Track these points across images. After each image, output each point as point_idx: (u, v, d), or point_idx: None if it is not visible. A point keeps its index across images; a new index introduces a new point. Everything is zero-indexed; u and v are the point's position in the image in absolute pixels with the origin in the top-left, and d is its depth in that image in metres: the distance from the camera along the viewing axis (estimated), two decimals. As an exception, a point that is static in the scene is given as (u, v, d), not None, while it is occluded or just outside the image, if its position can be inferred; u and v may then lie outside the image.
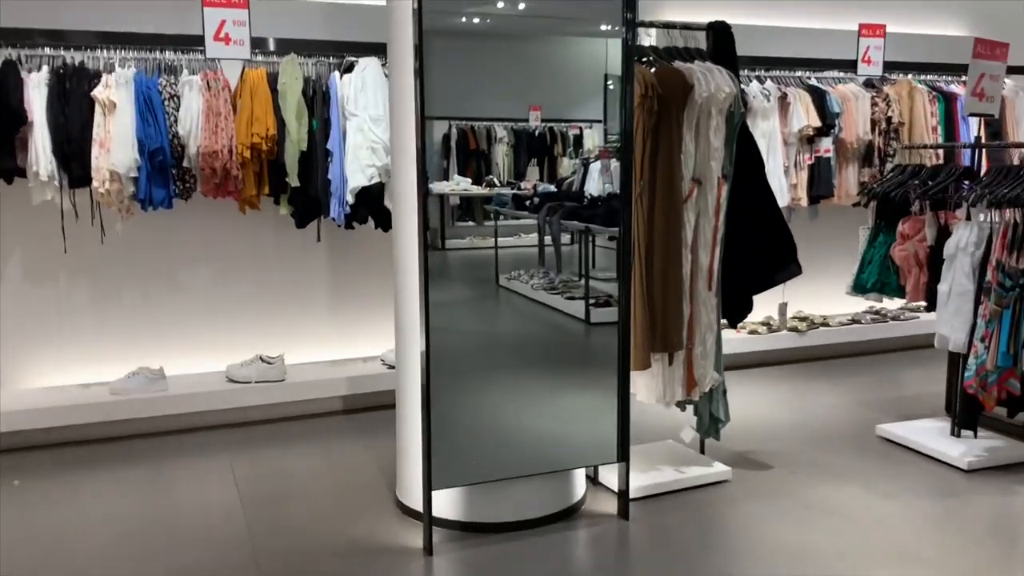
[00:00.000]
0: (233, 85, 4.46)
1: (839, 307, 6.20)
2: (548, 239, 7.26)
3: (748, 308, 3.81)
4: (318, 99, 4.57)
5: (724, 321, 3.80)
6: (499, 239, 10.36)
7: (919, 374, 5.62)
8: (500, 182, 11.70)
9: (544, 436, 3.64)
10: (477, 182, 11.73)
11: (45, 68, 4.14)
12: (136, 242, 4.55)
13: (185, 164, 4.31)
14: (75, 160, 4.10)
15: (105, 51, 4.28)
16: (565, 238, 7.21)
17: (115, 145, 4.12)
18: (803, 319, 6.09)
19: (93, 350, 4.55)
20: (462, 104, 11.89)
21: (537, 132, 13.07)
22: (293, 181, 4.47)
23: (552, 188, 8.87)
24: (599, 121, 12.52)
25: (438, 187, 10.92)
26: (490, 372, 4.54)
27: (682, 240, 3.53)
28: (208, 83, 4.34)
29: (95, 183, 4.11)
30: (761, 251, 3.73)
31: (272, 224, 4.81)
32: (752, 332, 5.84)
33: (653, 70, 3.50)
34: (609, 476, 3.71)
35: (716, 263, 3.62)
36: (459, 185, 10.88)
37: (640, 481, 3.66)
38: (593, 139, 12.76)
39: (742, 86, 5.58)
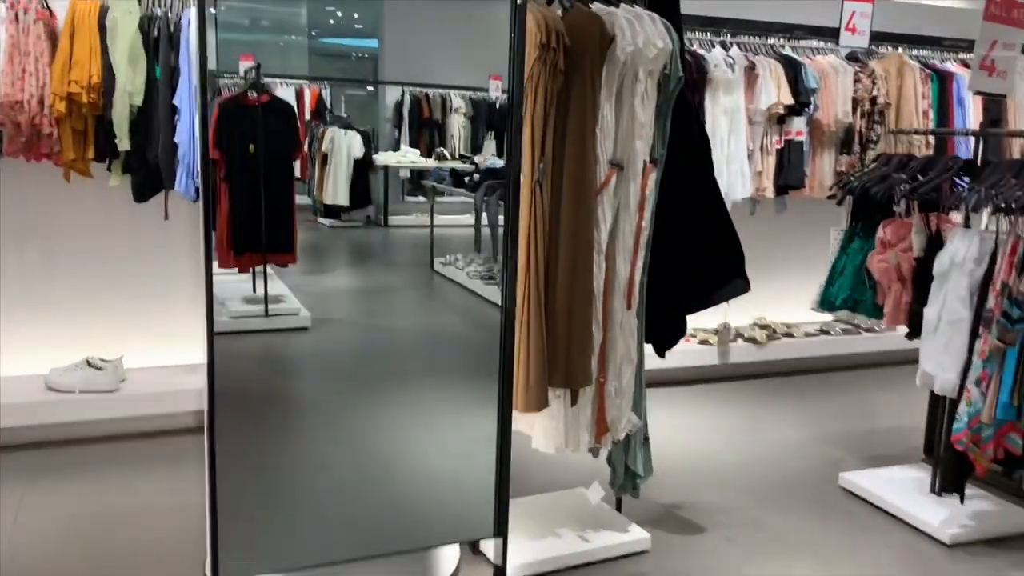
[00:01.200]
0: (61, 21, 3.53)
1: (806, 315, 5.36)
2: (486, 221, 6.35)
3: (679, 332, 2.95)
4: (163, 40, 3.65)
5: (647, 348, 2.95)
6: (446, 218, 9.44)
7: (895, 400, 4.81)
8: (452, 155, 10.76)
9: (403, 497, 2.80)
10: (429, 155, 10.80)
11: None
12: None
13: (-18, 116, 3.38)
14: None
15: None
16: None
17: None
18: (763, 327, 5.26)
19: None
20: (415, 69, 10.91)
21: (498, 104, 12.08)
22: (123, 144, 3.55)
23: (499, 163, 7.98)
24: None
25: (383, 158, 9.98)
26: (355, 395, 3.70)
27: (593, 242, 2.66)
28: (17, 15, 3.40)
29: None
30: (699, 260, 2.88)
31: (110, 196, 3.88)
32: (703, 342, 5.01)
33: (560, 12, 2.61)
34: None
35: (638, 274, 2.76)
36: (406, 157, 9.94)
37: (529, 554, 2.81)
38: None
39: (701, 52, 4.71)
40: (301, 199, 10.30)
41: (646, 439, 2.98)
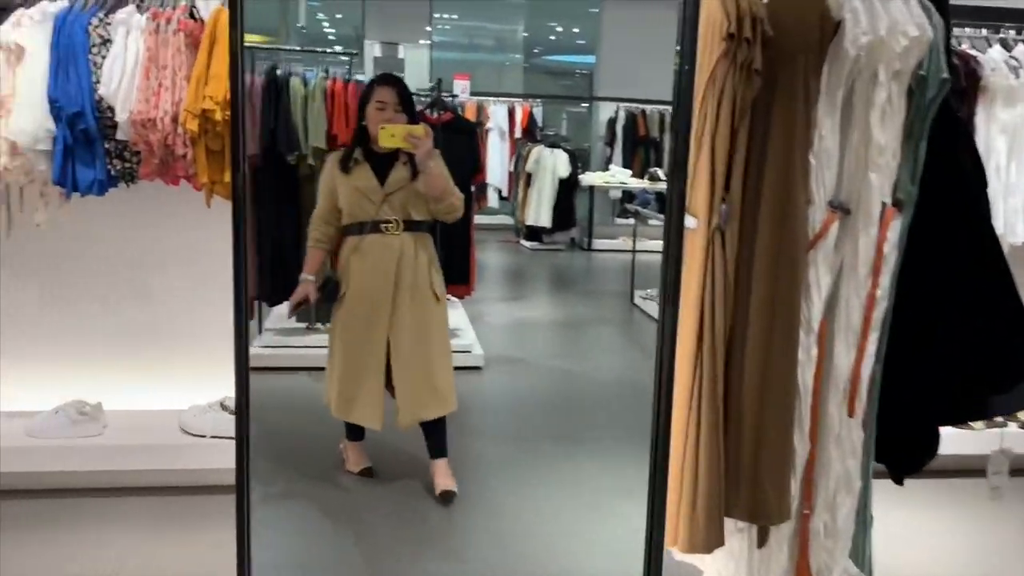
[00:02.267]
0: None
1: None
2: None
3: (928, 451, 2.04)
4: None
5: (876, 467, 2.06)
6: (655, 244, 8.66)
7: None
8: (666, 176, 9.80)
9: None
10: (642, 175, 10.01)
11: (-57, -2, 3.07)
12: (71, 236, 3.41)
13: (121, 136, 3.11)
14: (-38, 125, 3.01)
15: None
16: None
17: (19, 106, 2.98)
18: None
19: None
20: (631, 84, 10.19)
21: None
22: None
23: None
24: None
25: (588, 178, 9.37)
26: (512, 464, 3.09)
27: (799, 318, 1.85)
28: (159, 25, 3.11)
29: (-18, 156, 3.00)
30: (966, 347, 1.96)
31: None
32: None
33: (761, -10, 1.83)
34: None
35: (868, 366, 1.90)
36: (614, 177, 9.26)
37: None
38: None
39: (974, 52, 3.63)
40: (504, 219, 9.94)
41: (870, 597, 2.11)
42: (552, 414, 4.03)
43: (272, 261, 4.41)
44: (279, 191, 4.41)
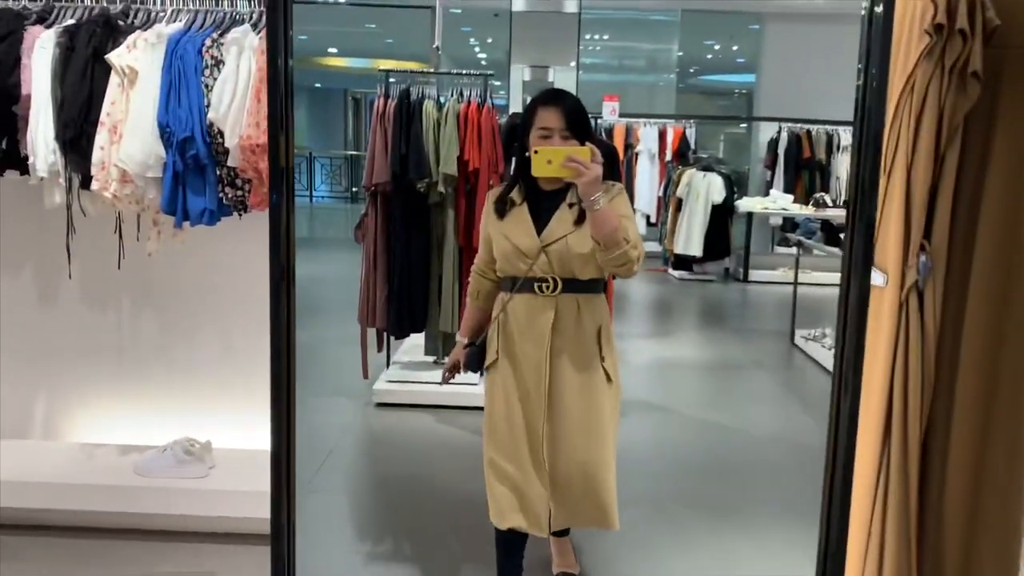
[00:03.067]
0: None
1: None
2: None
3: None
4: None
5: None
6: (820, 275, 7.93)
7: None
8: (835, 202, 9.13)
9: None
10: (806, 201, 9.27)
11: (68, 21, 3.01)
12: (180, 266, 3.27)
13: (231, 163, 2.95)
14: (75, 151, 2.92)
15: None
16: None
17: (130, 132, 2.87)
18: None
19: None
20: (795, 103, 9.50)
21: (898, 139, 9.93)
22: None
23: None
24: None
25: (747, 203, 8.76)
26: (642, 543, 2.63)
27: (1030, 411, 1.36)
28: (275, 44, 2.92)
29: (95, 184, 2.89)
30: None
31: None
32: None
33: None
34: None
35: None
36: (775, 203, 8.61)
37: None
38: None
39: None
40: (651, 246, 9.44)
41: None
42: (696, 477, 3.55)
43: (399, 292, 4.19)
44: (408, 219, 4.19)
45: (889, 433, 1.36)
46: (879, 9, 1.20)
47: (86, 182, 2.98)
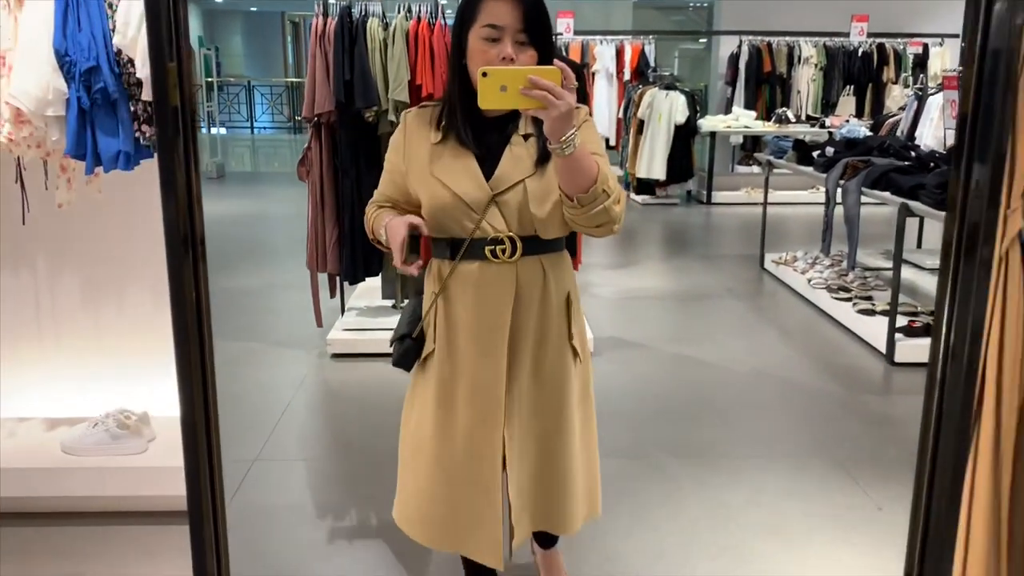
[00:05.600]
0: None
1: None
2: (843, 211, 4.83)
3: None
4: None
5: None
6: (784, 194, 7.70)
7: None
8: (797, 117, 8.86)
9: None
10: (768, 117, 9.02)
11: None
12: (98, 218, 2.89)
13: (146, 96, 2.55)
14: (-40, 87, 2.50)
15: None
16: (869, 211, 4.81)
17: (20, 63, 2.45)
18: None
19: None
20: (756, 15, 9.14)
21: (860, 51, 10.06)
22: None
23: (862, 131, 6.17)
24: (954, 35, 9.05)
25: (710, 122, 8.46)
26: (625, 480, 2.40)
27: None
28: None
29: (-13, 126, 2.49)
30: None
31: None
32: None
33: None
34: None
35: None
36: (738, 121, 8.31)
37: None
38: (942, 60, 9.31)
39: None
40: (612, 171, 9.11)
41: None
42: (679, 420, 3.33)
43: (351, 234, 3.86)
44: (356, 153, 3.82)
45: (980, 412, 1.11)
46: None
47: (-27, 122, 2.57)
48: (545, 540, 2.11)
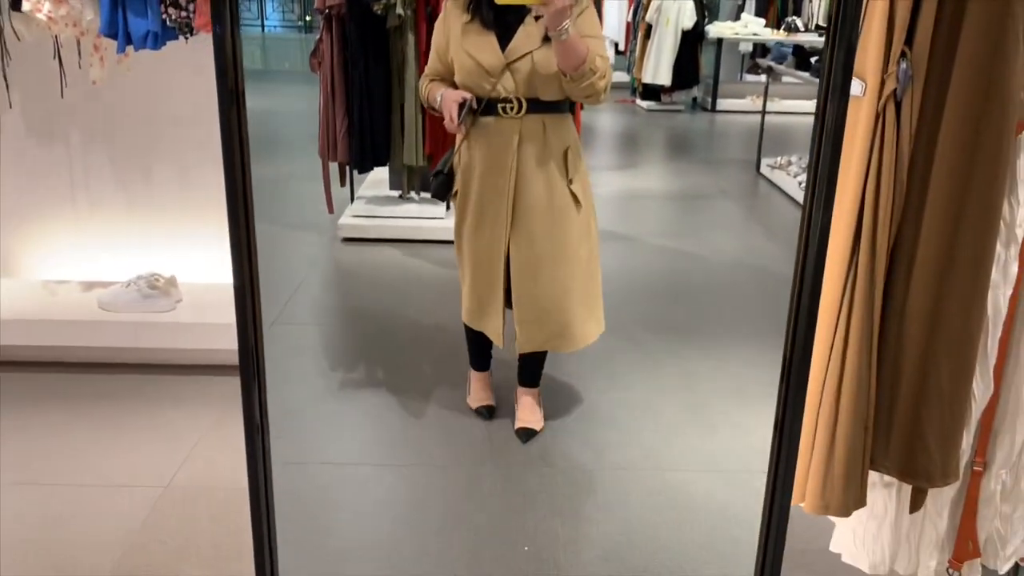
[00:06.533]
0: None
1: None
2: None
3: None
4: None
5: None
6: (788, 104, 7.79)
7: None
8: (806, 26, 8.87)
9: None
10: (778, 25, 9.01)
11: None
12: (129, 95, 3.11)
13: (175, -21, 2.75)
14: (0, -34, 2.70)
15: None
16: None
17: (59, -56, 2.65)
18: None
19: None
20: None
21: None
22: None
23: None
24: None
25: (717, 29, 8.48)
26: (617, 358, 2.70)
27: (997, 224, 1.37)
28: None
29: (26, 4, 2.69)
30: None
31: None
32: None
33: None
34: None
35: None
36: (746, 28, 8.36)
37: None
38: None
39: None
40: (618, 76, 9.16)
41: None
42: (660, 302, 3.61)
43: (360, 124, 4.06)
44: (365, 46, 3.99)
45: (857, 247, 1.36)
46: None
47: (16, 3, 2.78)
48: (527, 379, 2.49)
